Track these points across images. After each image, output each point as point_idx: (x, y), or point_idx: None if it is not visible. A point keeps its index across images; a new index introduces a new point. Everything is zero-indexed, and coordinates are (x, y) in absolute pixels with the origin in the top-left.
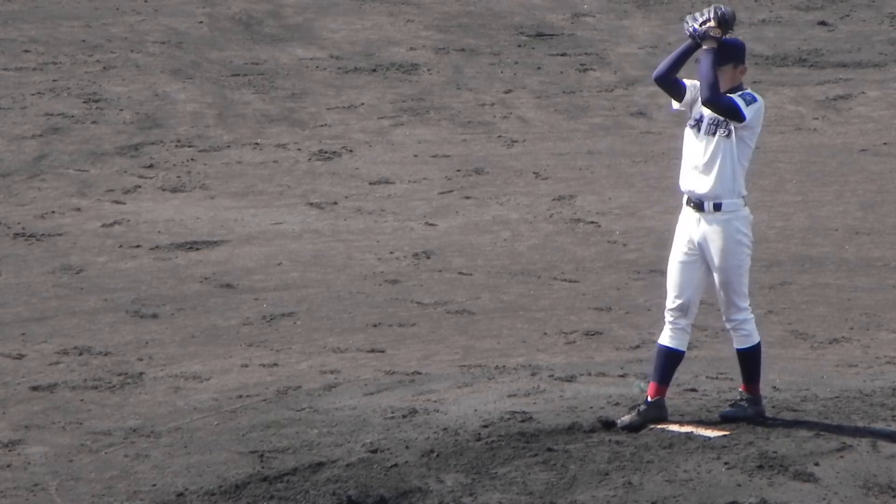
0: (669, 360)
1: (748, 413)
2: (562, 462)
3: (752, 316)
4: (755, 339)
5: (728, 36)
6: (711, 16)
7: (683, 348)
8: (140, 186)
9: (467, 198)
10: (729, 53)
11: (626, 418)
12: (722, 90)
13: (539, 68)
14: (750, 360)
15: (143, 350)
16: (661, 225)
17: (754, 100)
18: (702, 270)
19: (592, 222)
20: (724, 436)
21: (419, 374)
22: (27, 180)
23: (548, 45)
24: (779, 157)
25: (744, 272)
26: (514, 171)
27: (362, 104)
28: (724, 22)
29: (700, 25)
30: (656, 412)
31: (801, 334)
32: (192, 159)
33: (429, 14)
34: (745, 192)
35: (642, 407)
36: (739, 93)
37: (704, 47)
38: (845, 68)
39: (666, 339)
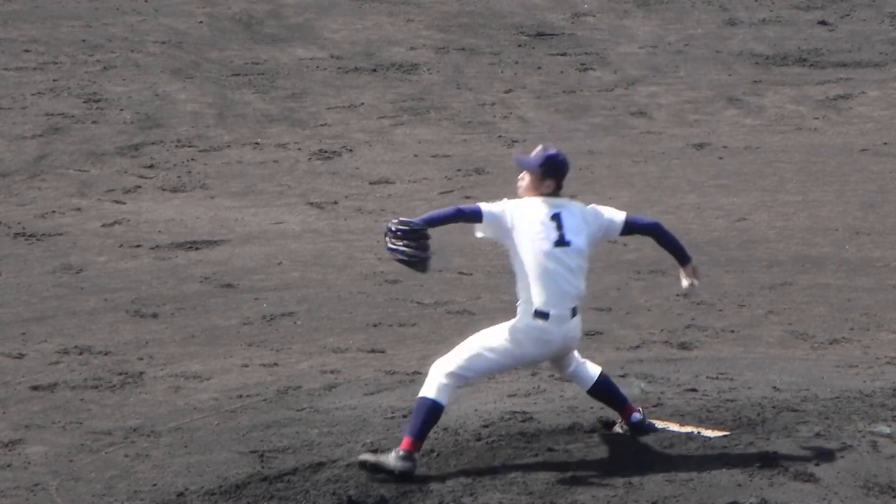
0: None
1: (394, 465)
2: (562, 462)
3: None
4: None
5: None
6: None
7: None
8: (140, 186)
9: (467, 197)
10: (539, 163)
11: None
12: (526, 195)
13: (539, 68)
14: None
15: (143, 350)
16: None
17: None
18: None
19: None
20: (724, 436)
21: (419, 374)
22: (27, 180)
23: (548, 44)
24: (779, 157)
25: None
26: (514, 170)
27: (362, 104)
28: (392, 231)
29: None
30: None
31: (801, 334)
32: (193, 159)
33: (429, 14)
34: (529, 303)
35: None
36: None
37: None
38: (845, 68)
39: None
